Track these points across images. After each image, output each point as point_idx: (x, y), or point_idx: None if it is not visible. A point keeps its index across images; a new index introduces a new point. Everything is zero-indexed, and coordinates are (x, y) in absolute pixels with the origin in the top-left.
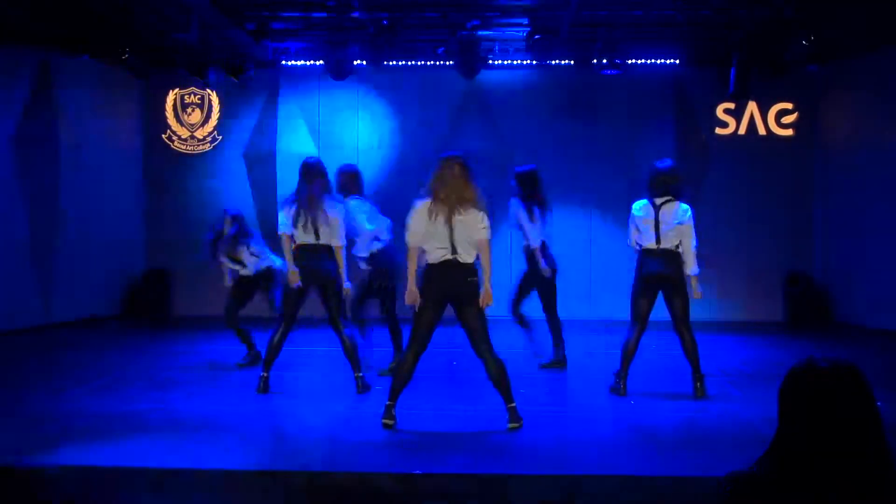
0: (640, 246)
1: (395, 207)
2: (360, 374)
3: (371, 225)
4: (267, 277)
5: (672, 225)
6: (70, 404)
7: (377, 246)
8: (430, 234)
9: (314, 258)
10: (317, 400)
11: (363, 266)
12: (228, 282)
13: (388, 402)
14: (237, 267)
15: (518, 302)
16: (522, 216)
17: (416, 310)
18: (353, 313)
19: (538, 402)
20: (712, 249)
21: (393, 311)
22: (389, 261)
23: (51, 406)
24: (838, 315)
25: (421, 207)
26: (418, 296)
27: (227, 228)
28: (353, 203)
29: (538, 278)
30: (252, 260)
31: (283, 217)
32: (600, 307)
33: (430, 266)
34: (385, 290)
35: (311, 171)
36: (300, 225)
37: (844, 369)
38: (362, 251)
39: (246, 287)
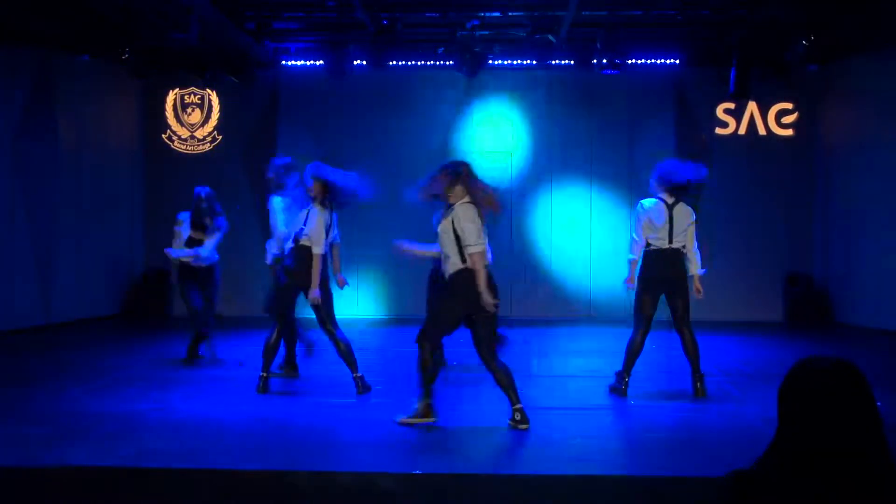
0: (649, 245)
1: (392, 208)
2: (359, 375)
3: (285, 227)
4: (208, 274)
5: (684, 226)
6: (70, 404)
7: (288, 247)
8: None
9: (295, 260)
10: (316, 400)
11: (270, 262)
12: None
13: (427, 402)
14: (190, 253)
15: None
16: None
17: (445, 309)
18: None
19: (537, 402)
20: (712, 249)
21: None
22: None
23: (51, 406)
24: (838, 315)
25: (474, 213)
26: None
27: (209, 204)
28: (277, 200)
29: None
30: (212, 242)
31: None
32: (600, 307)
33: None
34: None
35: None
36: None
37: (844, 369)
38: (274, 248)
39: (197, 279)
